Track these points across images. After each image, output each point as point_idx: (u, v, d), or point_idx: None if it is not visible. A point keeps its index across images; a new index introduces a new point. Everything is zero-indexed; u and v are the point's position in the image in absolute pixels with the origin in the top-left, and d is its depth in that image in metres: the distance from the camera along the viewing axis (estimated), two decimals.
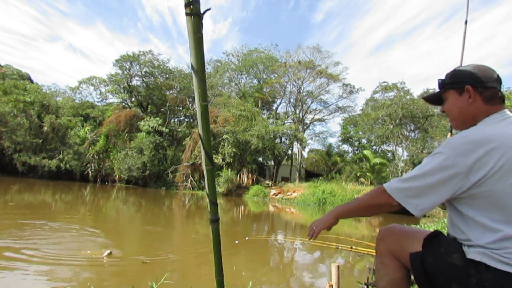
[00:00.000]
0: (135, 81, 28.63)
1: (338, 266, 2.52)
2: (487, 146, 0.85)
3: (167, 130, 25.58)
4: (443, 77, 1.11)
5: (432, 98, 1.18)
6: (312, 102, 29.69)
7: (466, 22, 1.92)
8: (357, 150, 32.82)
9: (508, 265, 0.82)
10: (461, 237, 0.95)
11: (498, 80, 1.00)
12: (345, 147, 34.95)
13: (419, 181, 0.92)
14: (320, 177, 25.41)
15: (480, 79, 0.99)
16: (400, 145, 25.70)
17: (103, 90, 30.40)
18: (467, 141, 0.88)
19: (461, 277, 0.87)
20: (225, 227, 8.74)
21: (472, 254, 0.88)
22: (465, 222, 0.93)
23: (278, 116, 30.10)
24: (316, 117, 30.90)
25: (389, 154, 29.35)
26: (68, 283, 3.51)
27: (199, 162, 21.99)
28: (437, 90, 1.15)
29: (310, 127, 32.04)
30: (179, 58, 69.00)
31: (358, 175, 24.43)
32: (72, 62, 73.99)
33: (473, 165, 0.86)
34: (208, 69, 30.53)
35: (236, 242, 6.11)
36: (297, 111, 29.25)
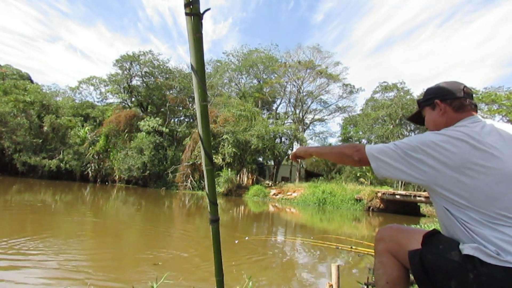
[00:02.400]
0: (135, 81, 28.66)
1: (338, 266, 2.52)
2: (441, 144, 0.95)
3: (167, 130, 25.56)
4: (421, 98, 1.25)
5: (415, 118, 1.31)
6: (312, 102, 29.72)
7: None
8: None
9: (498, 259, 0.83)
10: (452, 236, 0.98)
11: (466, 91, 1.11)
12: None
13: (390, 153, 1.04)
14: (320, 177, 25.40)
15: (446, 92, 1.12)
16: None
17: (103, 90, 30.42)
18: (429, 137, 0.99)
19: (460, 274, 0.89)
20: (225, 227, 8.74)
21: (466, 250, 0.89)
22: (449, 220, 0.97)
23: (278, 116, 30.09)
24: (316, 117, 30.95)
25: None
26: None
27: (199, 162, 21.99)
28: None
29: (310, 127, 32.08)
30: (179, 58, 69.00)
31: (358, 175, 24.41)
32: (72, 62, 74.08)
33: (424, 159, 0.96)
34: (208, 69, 30.52)
35: (236, 242, 6.12)
36: (297, 111, 29.25)
